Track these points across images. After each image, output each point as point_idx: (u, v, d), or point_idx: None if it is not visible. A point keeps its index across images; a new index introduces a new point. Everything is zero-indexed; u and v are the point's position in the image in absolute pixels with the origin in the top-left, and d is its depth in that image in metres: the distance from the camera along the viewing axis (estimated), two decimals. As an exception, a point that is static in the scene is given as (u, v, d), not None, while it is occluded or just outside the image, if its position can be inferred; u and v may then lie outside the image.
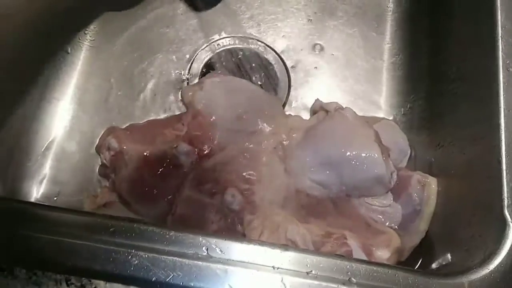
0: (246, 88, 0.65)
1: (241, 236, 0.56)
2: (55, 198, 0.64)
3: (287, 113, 0.67)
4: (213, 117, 0.62)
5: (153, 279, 0.37)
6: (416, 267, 0.55)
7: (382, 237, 0.55)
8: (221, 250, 0.39)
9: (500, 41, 0.49)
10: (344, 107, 0.60)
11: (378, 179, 0.56)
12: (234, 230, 0.57)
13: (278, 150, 0.60)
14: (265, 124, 0.61)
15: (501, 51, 0.49)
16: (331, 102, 0.62)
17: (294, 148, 0.60)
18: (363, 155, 0.55)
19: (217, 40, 0.73)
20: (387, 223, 0.56)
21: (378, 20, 0.75)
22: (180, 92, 0.68)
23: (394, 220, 0.56)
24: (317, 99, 0.66)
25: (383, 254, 0.53)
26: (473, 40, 0.55)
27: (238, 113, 0.62)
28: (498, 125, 0.46)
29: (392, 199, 0.57)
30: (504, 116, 0.47)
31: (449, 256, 0.49)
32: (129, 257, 0.38)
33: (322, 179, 0.57)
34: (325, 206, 0.58)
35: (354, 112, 0.59)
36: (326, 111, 0.61)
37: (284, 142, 0.60)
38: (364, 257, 0.53)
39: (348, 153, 0.56)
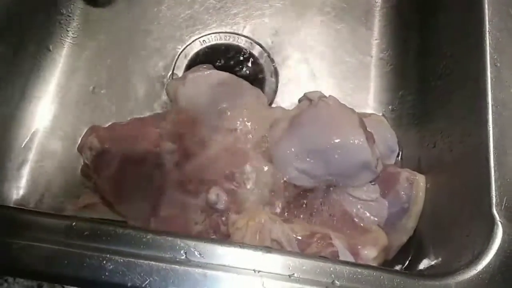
0: (229, 80, 0.63)
1: (226, 236, 0.55)
2: (36, 199, 0.62)
3: (274, 109, 0.66)
4: (197, 114, 0.60)
5: (129, 284, 0.36)
6: (405, 266, 0.54)
7: (369, 236, 0.54)
8: (200, 254, 0.38)
9: (487, 35, 0.48)
10: (327, 95, 0.59)
11: (364, 164, 0.55)
12: (219, 230, 0.56)
13: (263, 144, 0.59)
14: (248, 119, 0.60)
15: (489, 46, 0.48)
16: (314, 91, 0.61)
17: (278, 139, 0.59)
18: (348, 141, 0.54)
19: (202, 36, 0.72)
20: (373, 219, 0.55)
21: (366, 15, 0.73)
22: (164, 88, 0.67)
23: (380, 216, 0.55)
24: (305, 93, 0.64)
25: (369, 253, 0.52)
26: (461, 35, 0.54)
27: (222, 108, 0.60)
28: (486, 121, 0.45)
29: (379, 192, 0.56)
30: (492, 112, 0.45)
31: (437, 255, 0.48)
32: (104, 262, 0.37)
33: (309, 167, 0.56)
34: (311, 202, 0.57)
35: (337, 100, 0.58)
36: (310, 100, 0.60)
37: (268, 135, 0.59)
38: (350, 257, 0.52)
39: (333, 140, 0.55)
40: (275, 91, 0.69)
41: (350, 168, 0.56)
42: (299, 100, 0.64)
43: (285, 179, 0.57)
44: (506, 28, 0.49)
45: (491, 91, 0.46)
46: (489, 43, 0.48)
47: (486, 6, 0.50)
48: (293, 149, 0.57)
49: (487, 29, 0.49)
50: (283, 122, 0.60)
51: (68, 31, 0.70)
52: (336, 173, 0.56)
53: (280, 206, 0.57)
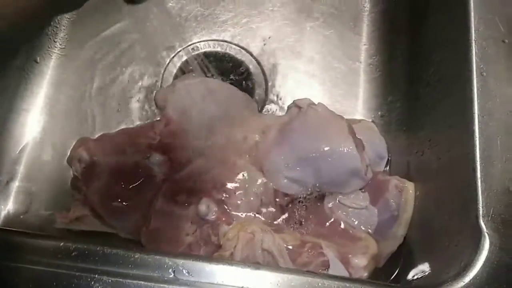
0: (219, 88, 0.63)
1: (217, 247, 0.55)
2: (26, 212, 0.62)
3: (264, 116, 0.66)
4: (186, 124, 0.60)
5: (117, 305, 0.36)
6: (395, 274, 0.54)
7: (359, 244, 0.54)
8: (188, 272, 0.38)
9: (473, 45, 0.48)
10: (316, 103, 0.59)
11: (353, 172, 0.55)
12: (210, 241, 0.56)
13: (253, 153, 0.59)
14: (238, 128, 0.60)
15: (475, 55, 0.48)
16: (304, 99, 0.61)
17: (268, 147, 0.59)
18: (338, 148, 0.55)
19: (191, 44, 0.71)
20: (363, 227, 0.55)
21: (354, 20, 0.73)
22: (153, 97, 0.67)
23: (370, 224, 0.55)
24: (294, 101, 0.64)
25: (360, 262, 0.52)
26: (448, 43, 0.54)
27: (211, 117, 0.60)
28: (473, 131, 0.45)
29: (369, 201, 0.56)
30: (479, 122, 0.46)
31: (426, 264, 0.49)
32: (92, 283, 0.37)
33: (299, 175, 0.57)
34: (302, 211, 0.57)
35: (326, 107, 0.58)
36: (299, 107, 0.60)
37: (258, 143, 0.59)
38: (341, 266, 0.52)
39: (323, 148, 0.55)
40: (265, 98, 0.69)
41: (340, 176, 0.56)
42: (288, 107, 0.64)
43: (275, 187, 0.57)
44: (492, 37, 0.49)
45: (478, 100, 0.47)
46: (475, 52, 0.48)
47: (472, 14, 0.50)
48: (283, 158, 0.57)
49: (473, 38, 0.49)
50: (272, 130, 0.60)
51: (55, 42, 0.70)
52: (326, 181, 0.56)
53: (271, 215, 0.57)
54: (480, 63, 0.48)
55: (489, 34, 0.49)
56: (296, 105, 0.60)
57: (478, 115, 0.46)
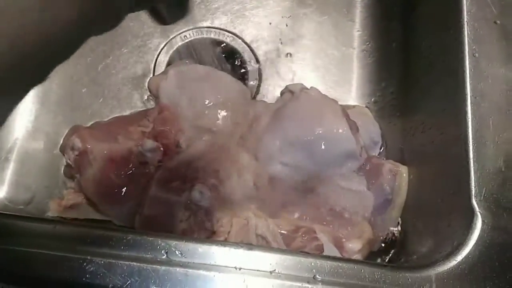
0: (211, 75, 0.63)
1: (211, 233, 0.55)
2: (19, 201, 0.62)
3: (257, 103, 0.65)
4: (179, 111, 0.60)
5: (110, 285, 0.36)
6: (389, 257, 0.54)
7: (354, 228, 0.54)
8: (181, 253, 0.38)
9: (465, 26, 0.48)
10: (309, 87, 0.59)
11: (349, 153, 0.55)
12: (203, 227, 0.55)
13: (246, 139, 0.59)
14: (231, 114, 0.60)
15: (467, 37, 0.48)
16: (296, 84, 0.61)
17: (262, 133, 0.58)
18: (332, 131, 0.55)
19: (184, 31, 0.71)
20: (358, 212, 0.55)
21: (348, 6, 0.73)
22: (146, 84, 0.66)
23: (365, 208, 0.55)
24: (287, 85, 0.64)
25: (354, 246, 0.53)
26: (440, 26, 0.54)
27: (204, 103, 0.60)
28: (465, 113, 0.46)
29: (365, 184, 0.56)
30: (471, 103, 0.46)
31: (420, 246, 0.49)
32: (84, 264, 0.37)
33: (293, 160, 0.56)
34: (296, 195, 0.57)
35: (319, 91, 0.58)
36: (292, 92, 0.60)
37: (251, 130, 0.59)
38: (335, 250, 0.52)
39: (317, 131, 0.55)
40: (258, 85, 0.68)
41: (335, 158, 0.56)
42: (281, 93, 0.64)
43: (269, 173, 0.57)
44: (484, 18, 0.49)
45: (470, 82, 0.47)
46: (468, 34, 0.48)
47: (464, -5, 0.50)
48: (276, 143, 0.57)
49: (465, 20, 0.49)
50: (265, 115, 0.60)
51: (47, 30, 0.69)
52: (321, 164, 0.56)
53: (265, 200, 0.57)
54: (472, 44, 0.48)
55: (481, 15, 0.49)
56: (289, 90, 0.60)
57: (470, 96, 0.46)
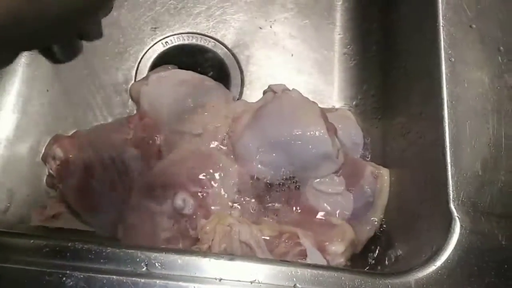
0: (191, 79, 0.63)
1: (195, 240, 0.55)
2: (1, 211, 0.61)
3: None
4: (160, 117, 0.60)
5: (89, 300, 0.36)
6: (373, 260, 0.54)
7: (335, 231, 0.54)
8: (161, 265, 0.38)
9: (441, 30, 0.49)
10: (291, 89, 0.60)
11: (325, 155, 0.55)
12: (188, 235, 0.55)
13: (226, 141, 0.59)
14: (212, 118, 0.60)
15: (443, 41, 0.48)
16: (279, 84, 0.61)
17: (241, 132, 0.59)
18: (309, 132, 0.55)
19: (165, 38, 0.71)
20: (339, 214, 0.56)
21: (328, 10, 0.73)
22: (128, 90, 0.66)
23: (346, 210, 0.56)
24: (269, 85, 0.64)
25: (337, 249, 0.53)
26: (417, 30, 0.55)
27: (185, 108, 0.60)
28: (442, 117, 0.46)
29: (344, 185, 0.57)
30: (448, 107, 0.46)
31: (402, 249, 0.49)
32: (64, 279, 0.36)
33: (271, 159, 0.57)
34: (278, 199, 0.57)
35: (300, 93, 0.59)
36: (274, 92, 0.60)
37: (231, 131, 0.59)
38: (319, 254, 0.52)
39: (295, 132, 0.55)
40: (241, 91, 0.69)
41: (312, 159, 0.56)
42: (264, 92, 0.64)
43: (250, 174, 0.57)
44: (460, 22, 0.50)
45: (447, 86, 0.47)
46: (443, 38, 0.49)
47: (440, 0, 0.50)
48: (255, 142, 0.57)
49: (441, 24, 0.49)
50: (245, 115, 0.60)
51: (26, 38, 0.68)
52: (298, 165, 0.56)
53: (248, 205, 0.57)
54: (448, 48, 0.48)
55: (457, 20, 0.49)
56: (271, 89, 0.60)
57: (447, 100, 0.46)
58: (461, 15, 0.50)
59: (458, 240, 0.41)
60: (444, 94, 0.46)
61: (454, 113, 0.46)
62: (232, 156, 0.58)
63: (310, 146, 0.54)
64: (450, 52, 0.48)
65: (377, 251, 0.55)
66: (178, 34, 0.71)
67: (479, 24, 0.49)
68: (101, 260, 0.38)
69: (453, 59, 0.48)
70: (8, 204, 0.62)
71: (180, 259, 0.38)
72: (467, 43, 0.48)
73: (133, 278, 0.37)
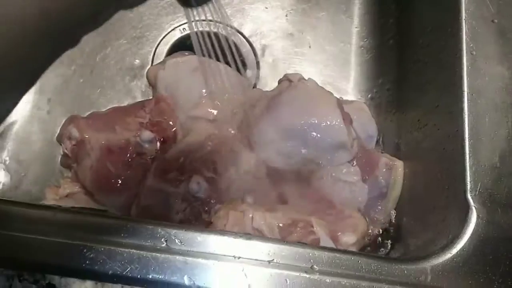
0: (207, 65, 0.63)
1: (208, 224, 0.55)
2: (16, 189, 0.62)
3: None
4: (176, 101, 0.60)
5: (110, 272, 0.36)
6: (384, 251, 0.55)
7: (349, 221, 0.55)
8: (180, 241, 0.38)
9: (463, 24, 0.49)
10: (307, 78, 0.60)
11: (340, 144, 0.56)
12: (200, 219, 0.56)
13: (242, 127, 0.59)
14: (228, 104, 0.60)
15: (465, 35, 0.49)
16: (295, 73, 0.61)
17: (257, 120, 0.59)
18: (325, 121, 0.55)
19: (182, 24, 0.71)
20: (353, 204, 0.56)
21: (346, 3, 0.74)
22: (145, 74, 0.67)
23: (360, 201, 0.56)
24: (285, 74, 0.64)
25: (349, 240, 0.53)
26: (438, 24, 0.55)
27: (202, 94, 0.60)
28: (462, 109, 0.46)
29: (360, 175, 0.57)
30: (468, 100, 0.46)
31: (415, 240, 0.50)
32: (84, 250, 0.37)
33: (286, 148, 0.57)
34: (292, 187, 0.58)
35: (316, 83, 0.59)
36: (290, 80, 0.60)
37: (248, 117, 0.59)
38: (331, 243, 0.52)
39: (310, 120, 0.55)
40: (256, 80, 0.69)
41: (327, 147, 0.56)
42: (279, 81, 0.64)
43: (265, 161, 0.57)
44: (482, 17, 0.50)
45: (467, 79, 0.47)
46: (466, 32, 0.49)
47: (463, -6, 0.50)
48: (270, 130, 0.57)
49: (464, 18, 0.49)
50: (261, 103, 0.60)
51: (45, 19, 0.69)
52: (313, 153, 0.57)
53: (262, 192, 0.58)
54: (470, 42, 0.48)
55: (479, 14, 0.49)
56: (287, 78, 0.60)
57: (467, 93, 0.47)
58: (483, 10, 0.50)
59: (474, 230, 0.42)
60: (464, 86, 0.47)
61: (474, 105, 0.46)
62: (247, 143, 0.58)
63: (325, 135, 0.55)
64: (471, 45, 0.48)
65: (388, 242, 0.55)
66: (195, 21, 0.71)
67: (501, 19, 0.49)
68: (122, 234, 0.38)
69: (474, 53, 0.48)
70: (19, 181, 0.62)
71: (199, 236, 0.39)
72: (489, 37, 0.49)
73: (153, 253, 0.37)
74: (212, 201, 0.56)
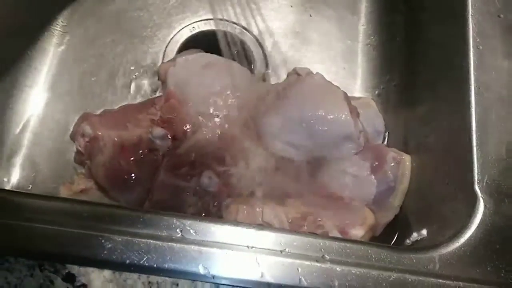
0: (217, 62, 0.64)
1: (222, 219, 0.56)
2: (30, 186, 0.63)
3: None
4: (187, 98, 0.61)
5: (127, 261, 0.37)
6: (392, 242, 0.56)
7: (356, 215, 0.55)
8: (195, 232, 0.39)
9: (470, 19, 0.50)
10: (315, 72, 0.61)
11: (347, 136, 0.56)
12: (211, 213, 0.57)
13: (251, 121, 0.60)
14: (237, 100, 0.61)
15: (471, 30, 0.49)
16: (303, 67, 0.62)
17: (265, 111, 0.59)
18: (332, 113, 0.56)
19: (192, 23, 0.72)
20: (361, 198, 0.57)
21: (353, 1, 0.75)
22: (156, 70, 0.68)
23: (368, 195, 0.57)
24: (294, 68, 0.65)
25: (357, 233, 0.54)
26: (444, 20, 0.56)
27: (211, 90, 0.61)
28: (469, 102, 0.47)
29: (369, 170, 0.58)
30: (475, 94, 0.47)
31: (423, 231, 0.50)
32: (103, 241, 0.38)
33: (294, 139, 0.58)
34: (301, 181, 0.58)
35: (324, 77, 0.60)
36: (298, 74, 0.61)
37: (256, 111, 0.60)
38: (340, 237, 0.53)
39: (318, 112, 0.56)
40: (265, 77, 0.70)
41: (334, 139, 0.57)
42: (288, 74, 0.65)
43: (274, 154, 0.58)
44: (488, 12, 0.51)
45: (474, 73, 0.48)
46: (472, 27, 0.50)
47: (470, -12, 0.51)
48: (278, 121, 0.58)
49: (470, 13, 0.50)
50: (269, 95, 0.61)
51: (57, 19, 0.70)
52: (321, 145, 0.58)
53: (271, 187, 0.58)
54: (476, 37, 0.49)
55: (486, 9, 0.50)
56: (296, 72, 0.61)
57: (474, 87, 0.47)
58: (489, 5, 0.51)
59: (481, 220, 0.42)
60: (471, 81, 0.47)
61: (481, 99, 0.47)
62: (256, 137, 0.59)
63: (332, 126, 0.56)
64: (478, 40, 0.49)
65: (396, 235, 0.56)
66: (204, 20, 0.73)
67: (507, 14, 0.50)
68: (138, 225, 0.39)
69: (481, 47, 0.49)
70: (33, 178, 0.63)
71: (213, 227, 0.40)
72: (495, 32, 0.49)
73: (169, 243, 0.38)
74: (222, 195, 0.57)
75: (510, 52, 0.49)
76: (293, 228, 0.54)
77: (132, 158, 0.59)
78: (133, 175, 0.59)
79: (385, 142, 0.64)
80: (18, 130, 0.65)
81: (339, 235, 0.54)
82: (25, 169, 0.64)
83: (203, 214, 0.57)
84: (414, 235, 0.51)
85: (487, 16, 0.50)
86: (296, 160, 0.58)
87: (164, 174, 0.58)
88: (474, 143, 0.45)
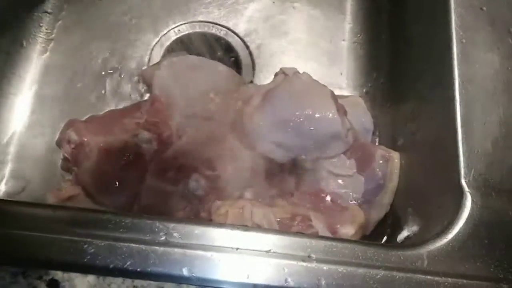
0: (202, 63, 0.64)
1: (208, 221, 0.55)
2: (18, 194, 0.62)
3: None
4: (172, 101, 0.61)
5: (111, 266, 0.37)
6: (383, 240, 0.55)
7: (346, 214, 0.55)
8: (179, 235, 0.39)
9: (452, 13, 0.49)
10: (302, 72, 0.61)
11: (335, 134, 0.56)
12: (200, 216, 0.56)
13: (238, 123, 0.59)
14: (224, 101, 0.61)
15: (454, 23, 0.49)
16: (290, 67, 0.62)
17: (252, 112, 0.59)
18: (319, 112, 0.56)
19: (177, 26, 0.72)
20: (350, 196, 0.56)
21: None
22: (140, 75, 0.68)
23: (357, 193, 0.57)
24: (281, 68, 0.65)
25: (348, 232, 0.54)
26: (428, 15, 0.56)
27: (197, 92, 0.61)
28: (453, 97, 0.47)
29: (356, 168, 0.57)
30: (459, 88, 0.47)
31: (414, 228, 0.50)
32: (85, 246, 0.37)
33: (282, 139, 0.57)
34: (291, 181, 0.58)
35: (311, 76, 0.60)
36: (285, 74, 0.61)
37: (243, 112, 0.59)
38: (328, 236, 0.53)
39: (305, 111, 0.56)
40: (251, 79, 0.70)
41: (322, 138, 0.57)
42: (275, 75, 0.65)
43: (262, 155, 0.58)
44: (471, 5, 0.51)
45: (458, 67, 0.48)
46: (455, 21, 0.50)
47: (451, -16, 0.51)
48: (266, 122, 0.58)
49: (452, 7, 0.50)
50: (256, 96, 0.61)
51: (41, 26, 0.70)
52: (308, 144, 0.57)
53: (260, 188, 0.58)
54: (459, 30, 0.49)
55: (468, 3, 0.50)
56: (282, 72, 0.61)
57: (458, 81, 0.47)
58: (471, -2, 0.51)
59: (469, 215, 0.42)
60: (455, 74, 0.47)
61: (465, 93, 0.47)
62: (244, 139, 0.59)
63: (320, 125, 0.55)
64: (461, 34, 0.49)
65: (386, 233, 0.56)
66: (189, 22, 0.72)
67: (489, 6, 0.50)
68: (121, 230, 0.39)
69: (464, 41, 0.48)
70: (23, 188, 0.63)
71: (197, 229, 0.39)
72: (478, 25, 0.49)
73: (153, 247, 0.38)
74: (211, 198, 0.57)
75: (494, 45, 0.49)
76: (283, 229, 0.53)
77: (118, 163, 0.59)
78: (119, 180, 0.59)
79: (375, 140, 0.63)
80: (5, 138, 0.64)
81: (329, 235, 0.53)
82: (14, 177, 0.63)
83: (192, 218, 0.56)
84: (405, 232, 0.51)
85: (470, 9, 0.50)
86: (285, 160, 0.58)
87: (151, 178, 0.58)
88: (460, 138, 0.45)
